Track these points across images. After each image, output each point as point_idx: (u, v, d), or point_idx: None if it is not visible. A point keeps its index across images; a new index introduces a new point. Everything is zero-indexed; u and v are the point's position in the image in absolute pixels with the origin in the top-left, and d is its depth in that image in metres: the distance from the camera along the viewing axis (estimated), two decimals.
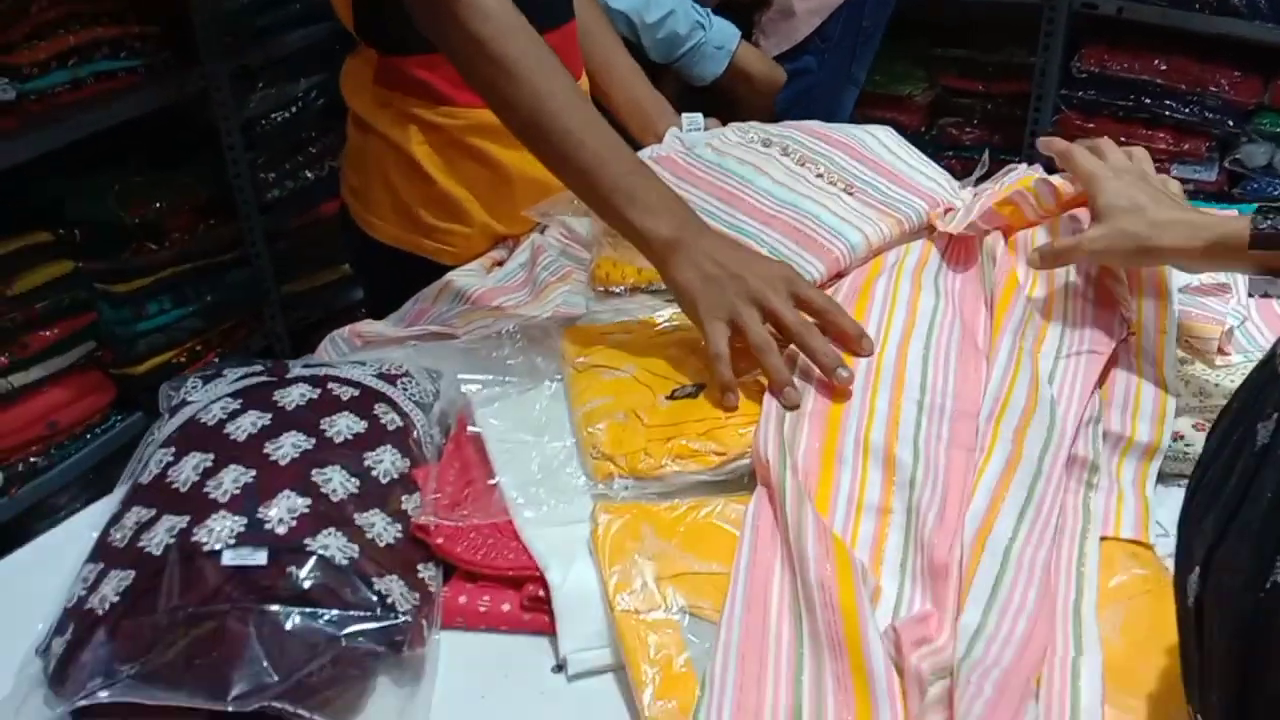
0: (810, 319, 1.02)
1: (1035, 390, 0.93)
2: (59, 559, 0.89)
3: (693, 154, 1.37)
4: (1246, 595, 0.55)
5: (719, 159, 1.35)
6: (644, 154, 1.38)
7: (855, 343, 1.00)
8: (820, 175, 1.29)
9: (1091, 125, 2.67)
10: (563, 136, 1.09)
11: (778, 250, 1.21)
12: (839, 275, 1.18)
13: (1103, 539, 0.87)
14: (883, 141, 1.36)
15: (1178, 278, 1.08)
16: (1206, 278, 1.11)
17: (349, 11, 1.36)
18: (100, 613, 0.78)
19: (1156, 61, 2.56)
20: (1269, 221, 0.85)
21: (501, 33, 1.10)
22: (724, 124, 1.51)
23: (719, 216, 1.26)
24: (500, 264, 1.45)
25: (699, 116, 1.45)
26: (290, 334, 2.59)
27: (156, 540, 0.82)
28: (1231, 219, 0.91)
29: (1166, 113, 2.58)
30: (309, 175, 2.51)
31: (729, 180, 1.30)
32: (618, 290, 1.27)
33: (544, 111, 1.09)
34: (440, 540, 0.87)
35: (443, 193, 1.43)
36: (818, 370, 0.98)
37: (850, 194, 1.27)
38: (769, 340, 1.00)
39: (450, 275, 1.41)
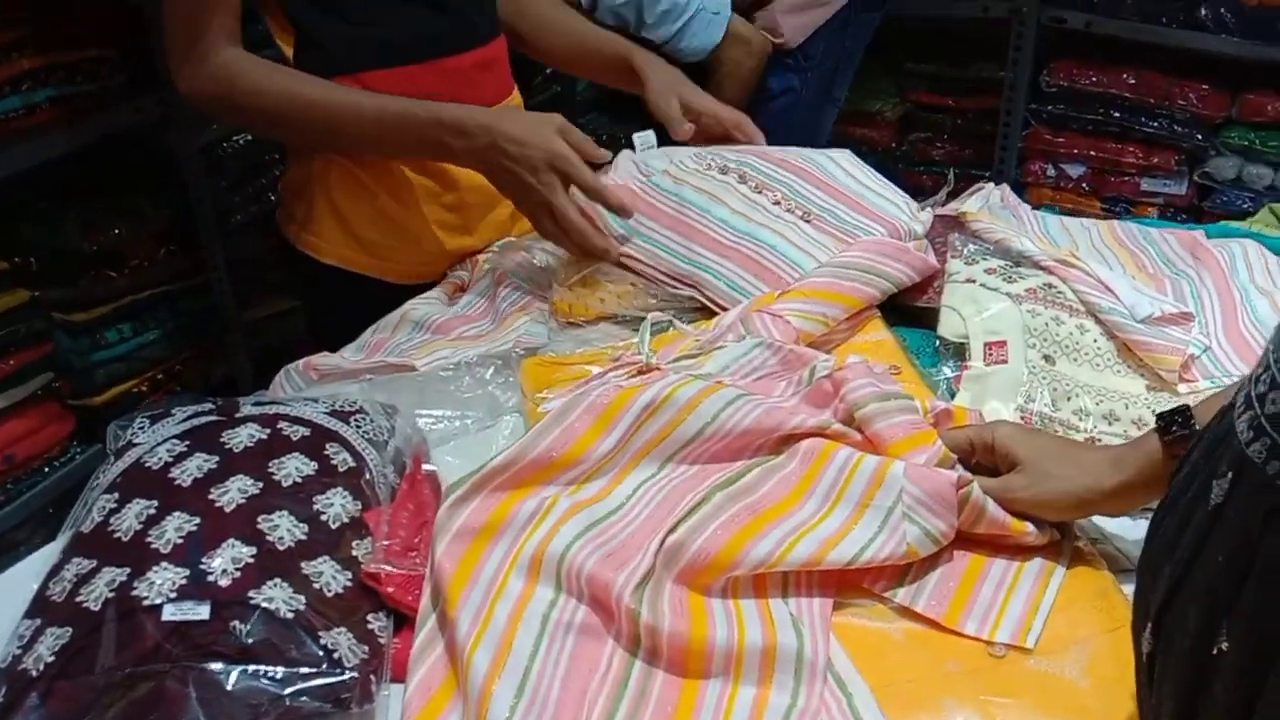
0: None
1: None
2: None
3: (650, 182, 1.35)
4: (1193, 658, 0.54)
5: (676, 188, 1.32)
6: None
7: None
8: (778, 202, 1.28)
9: (1061, 139, 2.67)
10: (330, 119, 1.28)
11: (735, 283, 1.20)
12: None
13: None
14: (842, 166, 1.35)
15: (1140, 308, 1.07)
16: (1169, 306, 1.10)
17: (289, 36, 1.36)
18: (34, 674, 0.75)
19: (1125, 75, 2.56)
20: (1172, 432, 0.82)
21: (255, 88, 1.28)
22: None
23: (676, 250, 1.25)
24: (461, 288, 1.43)
25: (650, 134, 1.42)
26: (253, 361, 2.55)
27: (95, 594, 0.79)
28: (1139, 445, 0.85)
29: (1136, 126, 2.58)
30: (272, 198, 2.47)
31: (686, 211, 1.28)
32: (580, 322, 1.25)
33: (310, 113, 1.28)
34: (390, 589, 0.84)
35: (387, 207, 1.41)
36: None
37: (808, 221, 1.25)
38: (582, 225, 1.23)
39: (410, 304, 1.38)
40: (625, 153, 1.43)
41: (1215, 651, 0.53)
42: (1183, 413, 0.81)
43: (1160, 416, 0.82)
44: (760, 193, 1.29)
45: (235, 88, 1.29)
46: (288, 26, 1.35)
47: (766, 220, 1.26)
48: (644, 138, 1.42)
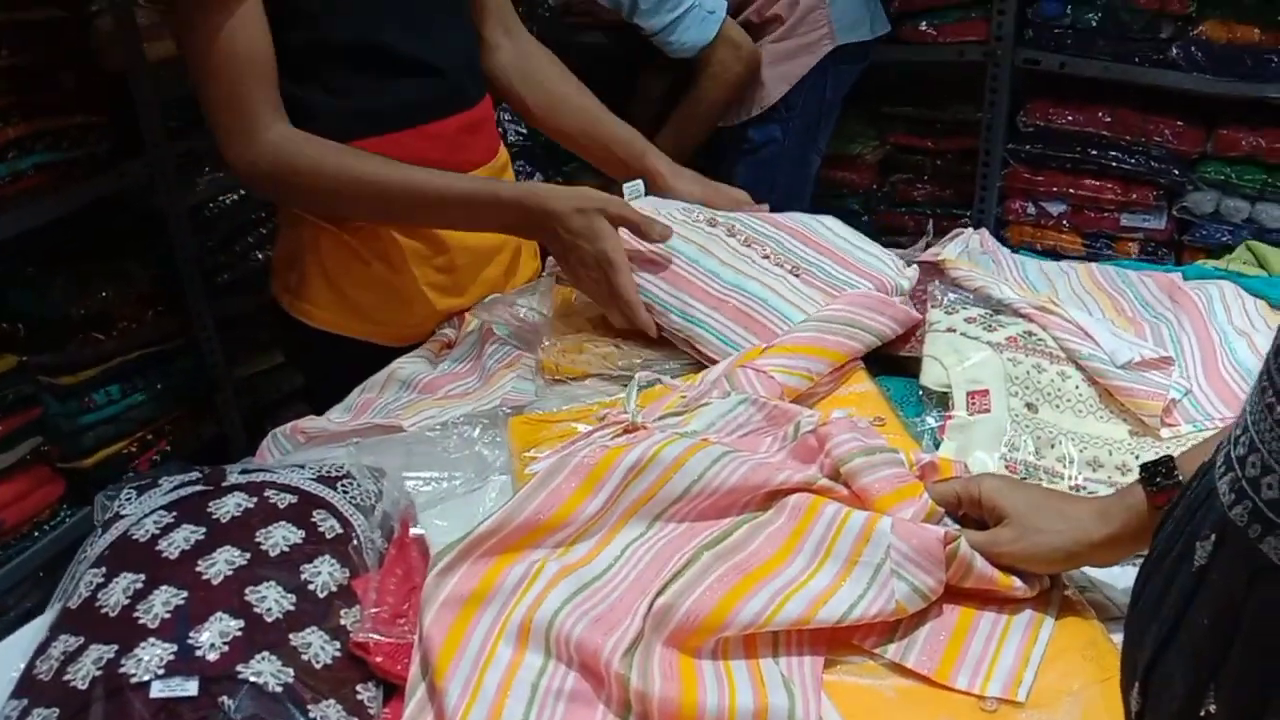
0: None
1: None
2: None
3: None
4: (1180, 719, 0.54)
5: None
6: None
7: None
8: (767, 256, 1.29)
9: (1040, 178, 2.69)
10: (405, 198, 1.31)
11: (728, 337, 1.21)
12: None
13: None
14: (829, 227, 1.36)
15: (1120, 354, 1.08)
16: (1149, 350, 1.10)
17: None
18: None
19: (1100, 114, 2.59)
20: (1156, 484, 0.82)
21: (312, 168, 1.28)
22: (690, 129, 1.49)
23: (667, 302, 1.25)
24: (448, 345, 1.44)
25: (639, 184, 1.43)
26: (244, 419, 2.55)
27: (83, 673, 0.79)
28: (1124, 497, 0.86)
29: (1113, 164, 2.61)
30: (259, 257, 2.48)
31: (676, 261, 1.29)
32: (565, 379, 1.25)
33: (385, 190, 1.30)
34: (379, 659, 0.84)
35: (379, 273, 1.41)
36: None
37: (797, 275, 1.26)
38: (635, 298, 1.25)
39: (397, 363, 1.39)
40: None
41: (1203, 713, 0.53)
42: (1166, 464, 0.82)
43: (1144, 468, 0.83)
44: (749, 246, 1.31)
45: (292, 167, 1.27)
46: None
47: (756, 273, 1.27)
48: (633, 187, 1.42)
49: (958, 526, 0.91)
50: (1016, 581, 0.87)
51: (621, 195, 1.41)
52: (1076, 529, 0.85)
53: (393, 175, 1.29)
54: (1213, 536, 0.54)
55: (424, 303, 1.45)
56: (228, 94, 1.24)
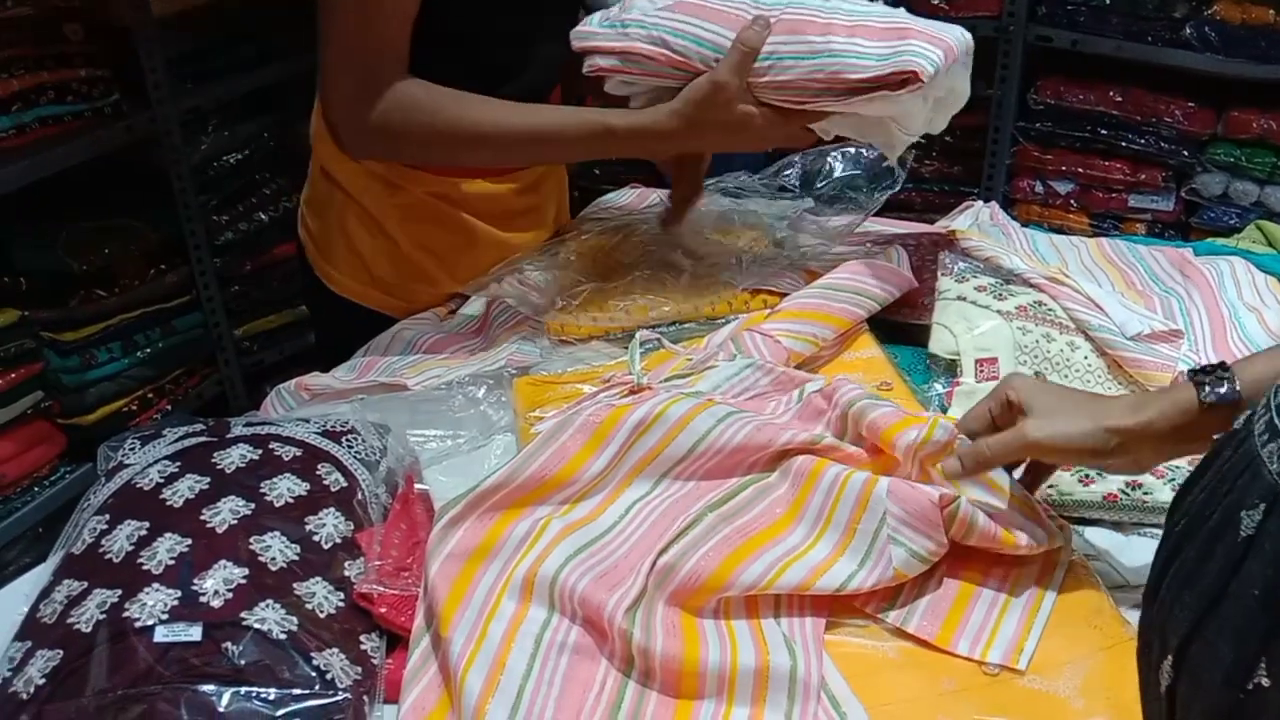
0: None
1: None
2: None
3: None
4: (1226, 692, 0.53)
5: None
6: None
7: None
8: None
9: (1049, 156, 2.68)
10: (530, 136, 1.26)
11: (883, 54, 1.13)
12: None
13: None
14: None
15: (1129, 325, 1.07)
16: (1159, 323, 1.10)
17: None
18: (25, 697, 0.75)
19: (1112, 93, 2.57)
20: (1204, 383, 0.79)
21: (432, 111, 1.23)
22: None
23: (779, 49, 1.15)
24: (454, 312, 1.43)
25: None
26: (245, 378, 2.54)
27: (86, 616, 0.79)
28: (1167, 391, 0.84)
29: (1123, 143, 2.59)
30: (263, 217, 2.48)
31: (775, 13, 1.16)
32: (572, 340, 1.25)
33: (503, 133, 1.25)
34: (383, 610, 0.84)
35: (405, 254, 1.39)
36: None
37: None
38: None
39: (402, 324, 1.38)
40: None
41: (1251, 686, 0.51)
42: (1217, 367, 0.79)
43: (1192, 371, 0.80)
44: None
45: (411, 119, 1.23)
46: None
47: (874, 6, 1.19)
48: None
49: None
50: (1021, 537, 0.87)
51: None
52: (1106, 415, 0.82)
53: (513, 119, 1.25)
54: (1261, 506, 0.53)
55: (445, 283, 1.44)
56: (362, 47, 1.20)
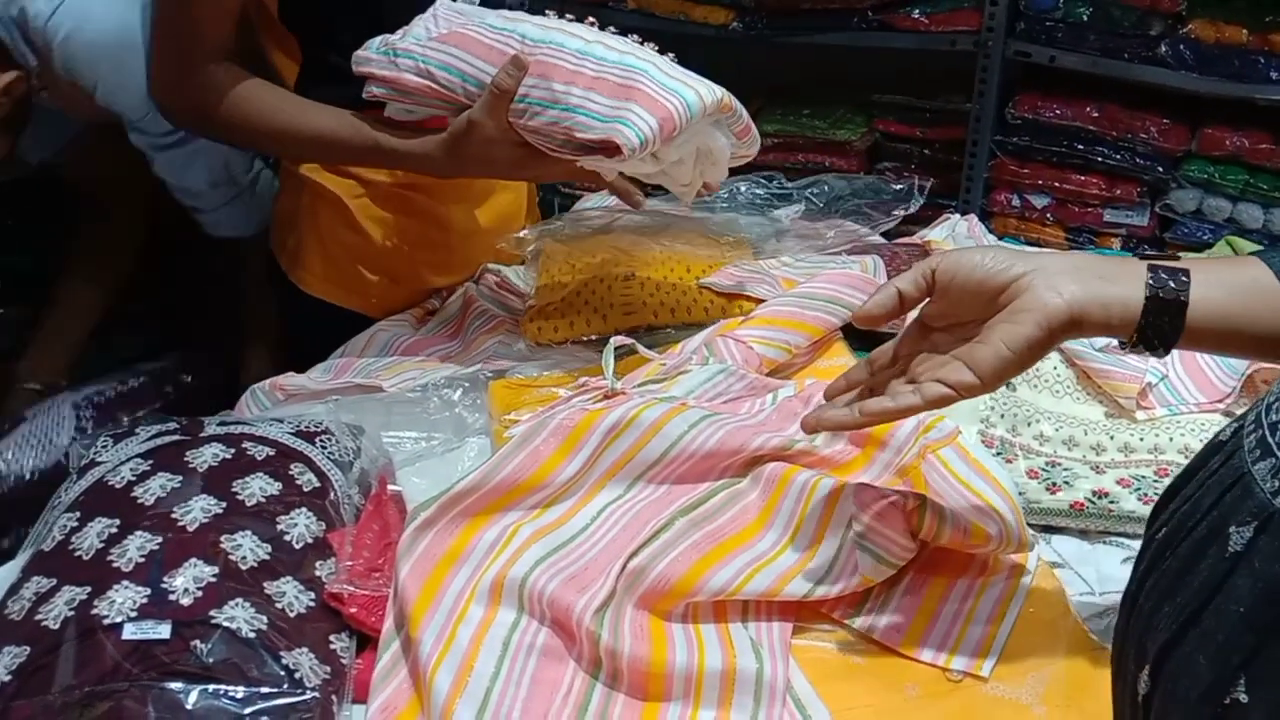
0: None
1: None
2: None
3: (480, 23, 1.16)
4: (1203, 707, 0.52)
5: (512, 26, 1.14)
6: (422, 24, 1.19)
7: None
8: (642, 44, 1.16)
9: (1026, 170, 2.70)
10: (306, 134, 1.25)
11: (608, 116, 1.06)
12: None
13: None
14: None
15: (1097, 339, 1.09)
16: None
17: (293, 65, 1.33)
18: None
19: (1089, 109, 2.60)
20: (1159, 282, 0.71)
21: (235, 101, 1.25)
22: None
23: (530, 94, 1.09)
24: (431, 314, 1.43)
25: None
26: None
27: (54, 613, 0.78)
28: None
29: (1098, 159, 2.62)
30: None
31: (536, 51, 1.10)
32: (548, 344, 1.25)
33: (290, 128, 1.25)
34: (354, 610, 0.84)
35: (379, 247, 1.40)
36: None
37: (677, 61, 1.15)
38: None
39: (379, 325, 1.38)
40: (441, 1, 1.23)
41: (1229, 701, 0.51)
42: (1182, 273, 0.71)
43: (1151, 266, 0.72)
44: (622, 35, 1.16)
45: (220, 104, 1.25)
46: (295, 55, 1.32)
47: (634, 50, 1.12)
48: None
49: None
50: (990, 529, 0.86)
51: None
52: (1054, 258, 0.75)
53: (315, 121, 1.25)
54: (1253, 524, 0.52)
55: (418, 279, 1.44)
56: (179, 29, 1.24)
